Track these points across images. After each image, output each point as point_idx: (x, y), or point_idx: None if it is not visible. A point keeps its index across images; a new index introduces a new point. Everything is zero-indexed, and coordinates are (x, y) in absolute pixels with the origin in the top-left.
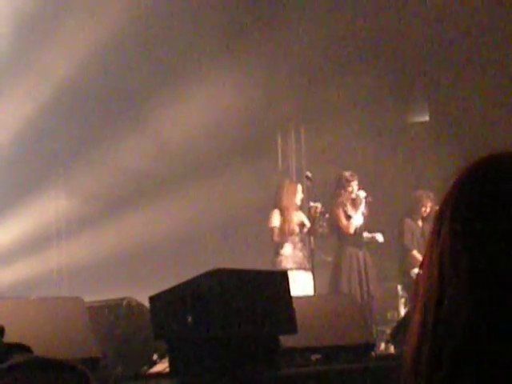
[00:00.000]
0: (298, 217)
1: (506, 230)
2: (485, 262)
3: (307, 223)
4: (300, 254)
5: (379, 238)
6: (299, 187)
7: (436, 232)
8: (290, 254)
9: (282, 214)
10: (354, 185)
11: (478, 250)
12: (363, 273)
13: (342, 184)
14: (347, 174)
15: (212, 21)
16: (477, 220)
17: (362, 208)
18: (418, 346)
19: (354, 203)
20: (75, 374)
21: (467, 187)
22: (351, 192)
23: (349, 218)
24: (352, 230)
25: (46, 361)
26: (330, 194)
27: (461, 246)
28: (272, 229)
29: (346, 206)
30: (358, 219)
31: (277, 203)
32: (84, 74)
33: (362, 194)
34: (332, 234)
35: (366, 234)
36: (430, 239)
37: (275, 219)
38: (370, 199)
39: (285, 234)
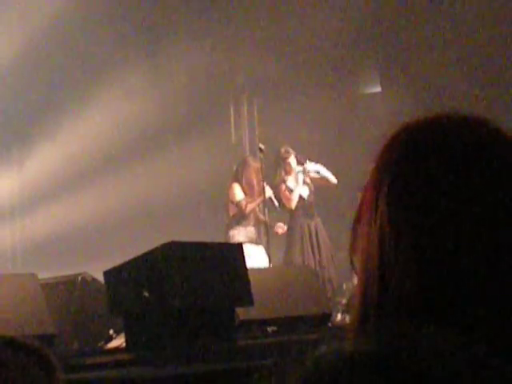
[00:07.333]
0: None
1: (447, 198)
2: (428, 233)
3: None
4: (253, 229)
5: (330, 177)
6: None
7: (373, 202)
8: (243, 229)
9: (243, 189)
10: (291, 161)
11: (421, 222)
12: (315, 243)
13: (278, 162)
14: (282, 150)
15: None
16: (418, 191)
17: (301, 180)
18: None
19: (296, 178)
20: (35, 356)
21: (407, 155)
22: (290, 168)
23: (290, 192)
24: (293, 205)
25: (6, 339)
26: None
27: (401, 220)
28: (238, 202)
29: (286, 181)
30: (303, 191)
31: (238, 178)
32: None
33: (298, 168)
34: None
35: (311, 169)
36: (369, 206)
37: (239, 193)
38: (304, 165)
39: (244, 209)
